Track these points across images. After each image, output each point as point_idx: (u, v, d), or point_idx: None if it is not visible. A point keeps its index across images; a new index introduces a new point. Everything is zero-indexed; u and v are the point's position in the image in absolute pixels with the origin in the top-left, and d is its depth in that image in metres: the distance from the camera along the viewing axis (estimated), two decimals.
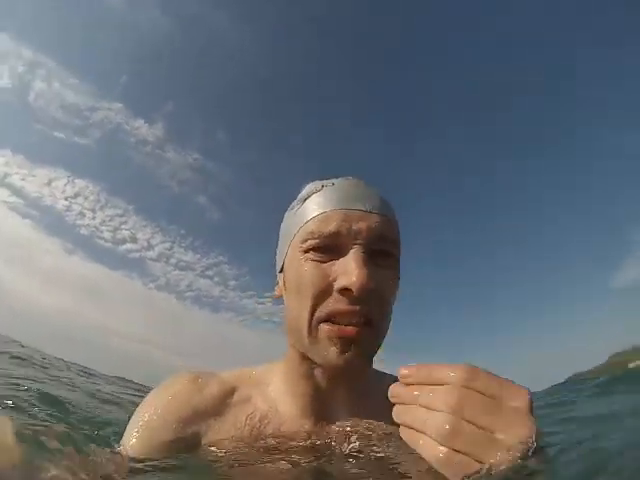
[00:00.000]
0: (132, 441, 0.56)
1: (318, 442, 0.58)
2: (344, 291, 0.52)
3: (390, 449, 0.56)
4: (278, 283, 0.66)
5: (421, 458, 0.36)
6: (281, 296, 0.64)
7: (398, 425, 0.53)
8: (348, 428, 0.60)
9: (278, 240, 0.67)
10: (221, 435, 0.58)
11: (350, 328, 0.52)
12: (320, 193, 0.60)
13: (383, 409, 0.59)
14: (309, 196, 0.61)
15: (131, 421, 0.59)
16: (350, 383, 0.61)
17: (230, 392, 0.63)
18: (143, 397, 0.63)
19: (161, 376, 0.68)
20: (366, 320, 0.53)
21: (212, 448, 0.57)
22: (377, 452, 0.56)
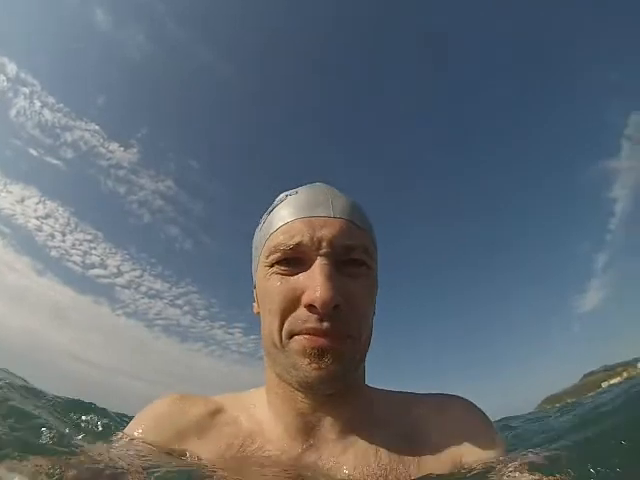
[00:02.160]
0: None
1: (303, 468, 0.53)
2: (310, 307, 0.48)
3: None
4: (255, 300, 0.63)
5: None
6: (258, 313, 0.61)
7: (401, 457, 0.51)
8: (338, 457, 0.54)
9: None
10: (203, 454, 0.55)
11: (322, 339, 0.48)
12: (284, 204, 0.57)
13: (383, 437, 0.56)
14: (273, 208, 0.58)
15: None
16: (337, 404, 0.56)
17: (216, 413, 0.61)
18: None
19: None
20: (340, 335, 0.50)
21: (194, 468, 0.54)
22: None
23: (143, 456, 0.53)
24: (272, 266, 0.53)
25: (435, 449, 0.55)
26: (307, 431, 0.56)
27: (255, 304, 0.63)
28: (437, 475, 0.52)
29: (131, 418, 0.65)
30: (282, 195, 0.59)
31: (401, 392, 0.66)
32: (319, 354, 0.48)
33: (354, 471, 0.52)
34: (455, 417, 0.59)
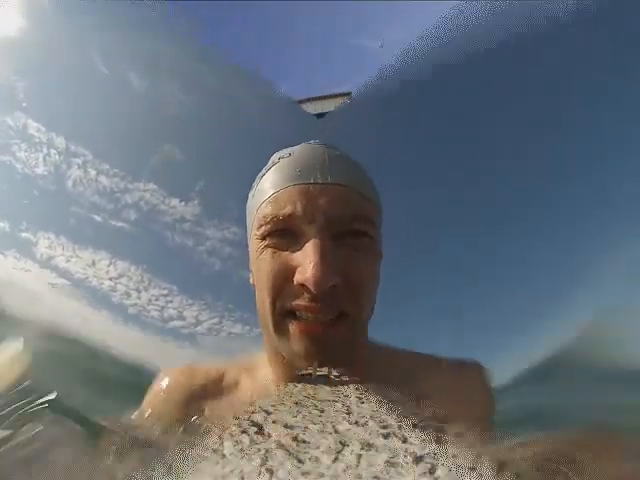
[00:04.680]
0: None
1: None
2: (302, 286, 0.44)
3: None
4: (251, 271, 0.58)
5: None
6: (254, 284, 0.57)
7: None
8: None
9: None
10: (210, 418, 0.56)
11: (316, 325, 0.45)
12: (275, 167, 0.51)
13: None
14: (265, 173, 0.52)
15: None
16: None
17: (219, 378, 0.61)
18: None
19: None
20: (338, 314, 0.46)
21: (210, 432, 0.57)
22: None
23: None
24: (264, 239, 0.48)
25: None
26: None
27: (251, 275, 0.58)
28: None
29: None
30: (274, 156, 0.53)
31: (410, 351, 0.62)
32: (314, 343, 0.45)
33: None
34: (469, 385, 0.57)
